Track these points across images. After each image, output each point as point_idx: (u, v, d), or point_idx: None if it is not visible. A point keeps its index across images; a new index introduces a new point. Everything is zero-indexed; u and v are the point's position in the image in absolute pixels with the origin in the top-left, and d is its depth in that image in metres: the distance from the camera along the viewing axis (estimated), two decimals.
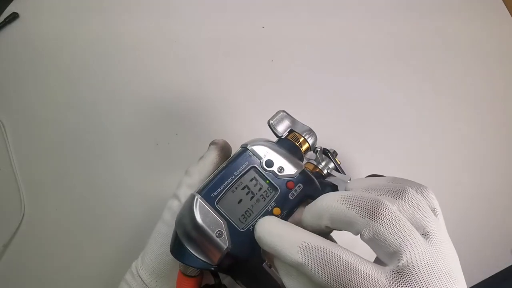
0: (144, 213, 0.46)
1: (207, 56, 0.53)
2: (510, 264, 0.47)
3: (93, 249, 0.45)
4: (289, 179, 0.25)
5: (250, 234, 0.23)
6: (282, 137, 0.28)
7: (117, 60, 0.52)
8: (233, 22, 0.55)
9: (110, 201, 0.46)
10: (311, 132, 0.29)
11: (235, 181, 0.24)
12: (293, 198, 0.24)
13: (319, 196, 0.21)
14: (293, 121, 0.29)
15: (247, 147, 0.25)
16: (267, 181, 0.24)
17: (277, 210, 0.24)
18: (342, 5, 0.58)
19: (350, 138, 0.50)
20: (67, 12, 0.55)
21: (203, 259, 0.23)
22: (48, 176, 0.47)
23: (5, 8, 0.54)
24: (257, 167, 0.25)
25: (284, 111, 0.29)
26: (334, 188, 0.27)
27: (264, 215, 0.23)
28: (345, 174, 0.30)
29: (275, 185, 0.24)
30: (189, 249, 0.23)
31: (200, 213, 0.23)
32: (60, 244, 0.45)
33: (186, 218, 0.23)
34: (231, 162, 0.25)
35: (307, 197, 0.25)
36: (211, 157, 0.29)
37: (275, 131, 0.28)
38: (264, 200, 0.24)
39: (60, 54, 0.53)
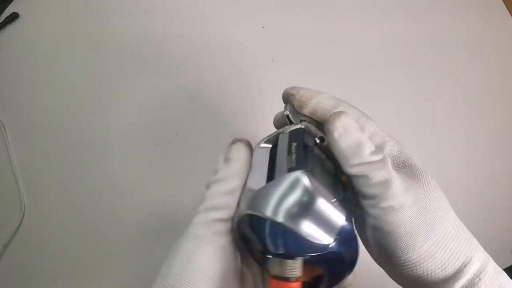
0: (143, 213, 0.46)
1: (207, 56, 0.53)
2: (510, 264, 0.47)
3: (93, 249, 0.45)
4: None
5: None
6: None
7: (117, 60, 0.52)
8: (233, 22, 0.55)
9: (110, 201, 0.46)
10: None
11: (311, 152, 0.22)
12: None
13: None
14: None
15: (301, 126, 0.24)
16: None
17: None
18: (342, 5, 0.58)
19: None
20: (67, 12, 0.55)
21: (319, 240, 0.20)
22: (48, 176, 0.47)
23: (5, 8, 0.54)
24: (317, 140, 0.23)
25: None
26: None
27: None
28: None
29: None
30: (303, 233, 0.19)
31: (313, 186, 0.20)
32: (60, 244, 0.45)
33: (291, 198, 0.20)
34: (297, 140, 0.23)
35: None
36: (245, 155, 0.25)
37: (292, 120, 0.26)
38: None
39: (60, 54, 0.53)
